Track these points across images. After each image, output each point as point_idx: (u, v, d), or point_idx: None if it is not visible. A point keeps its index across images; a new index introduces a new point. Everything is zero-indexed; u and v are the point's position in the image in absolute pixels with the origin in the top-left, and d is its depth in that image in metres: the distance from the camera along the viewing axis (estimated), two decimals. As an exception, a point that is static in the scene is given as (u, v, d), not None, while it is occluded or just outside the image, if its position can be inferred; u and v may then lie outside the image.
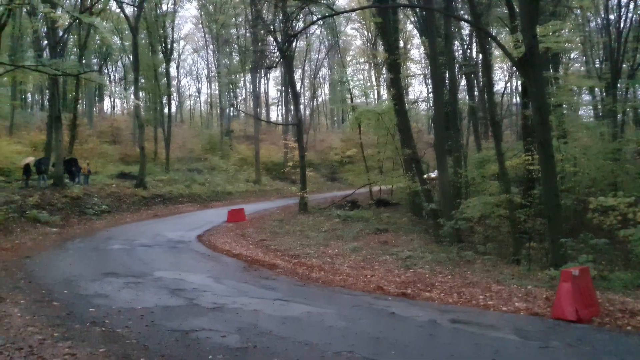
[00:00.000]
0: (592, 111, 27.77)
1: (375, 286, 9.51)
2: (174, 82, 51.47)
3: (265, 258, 12.88)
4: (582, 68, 28.38)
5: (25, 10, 27.20)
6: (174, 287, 9.22)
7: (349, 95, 37.80)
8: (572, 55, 29.28)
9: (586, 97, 28.78)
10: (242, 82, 53.47)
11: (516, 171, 18.08)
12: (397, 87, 20.62)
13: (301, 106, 41.71)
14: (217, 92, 51.91)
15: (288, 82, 33.89)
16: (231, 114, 52.93)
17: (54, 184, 22.12)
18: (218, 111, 51.19)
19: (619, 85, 21.71)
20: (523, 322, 6.95)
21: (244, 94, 58.08)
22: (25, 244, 14.55)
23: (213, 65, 51.79)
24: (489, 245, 13.84)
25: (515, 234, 13.00)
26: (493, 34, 22.02)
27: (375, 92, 49.39)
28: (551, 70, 21.24)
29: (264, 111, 55.32)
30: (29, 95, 47.65)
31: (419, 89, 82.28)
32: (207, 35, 48.64)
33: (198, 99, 66.50)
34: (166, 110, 37.51)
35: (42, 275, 10.17)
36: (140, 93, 40.23)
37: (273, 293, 8.85)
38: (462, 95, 30.55)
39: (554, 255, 10.58)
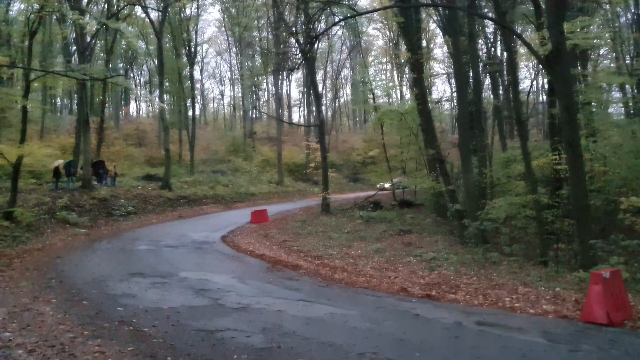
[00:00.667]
0: (622, 109, 26.94)
1: (399, 288, 9.45)
2: (198, 85, 52.32)
3: (288, 259, 12.95)
4: (612, 65, 27.58)
5: (55, 17, 28.04)
6: (199, 287, 9.35)
7: (371, 96, 37.66)
8: (601, 52, 28.47)
9: (616, 95, 27.98)
10: (264, 84, 53.92)
11: (543, 171, 17.69)
12: (420, 87, 20.46)
13: (323, 107, 41.82)
14: (240, 94, 52.47)
15: (310, 83, 34.00)
16: (254, 116, 53.41)
17: (82, 186, 22.73)
18: (241, 113, 51.73)
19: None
20: (551, 325, 6.80)
21: (266, 96, 58.56)
22: (56, 245, 14.99)
23: (236, 67, 52.44)
24: (515, 247, 13.59)
25: (543, 235, 12.72)
26: (518, 31, 21.63)
27: (398, 92, 49.13)
28: (579, 68, 20.72)
29: (286, 113, 55.63)
30: (58, 99, 49.09)
31: (442, 89, 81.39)
32: (230, 38, 49.26)
33: (221, 102, 67.47)
34: (190, 112, 38.12)
35: (72, 275, 10.45)
36: (165, 96, 40.96)
37: (296, 294, 8.89)
38: (487, 94, 30.13)
39: (583, 257, 10.32)
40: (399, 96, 49.09)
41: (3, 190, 19.47)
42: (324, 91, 49.54)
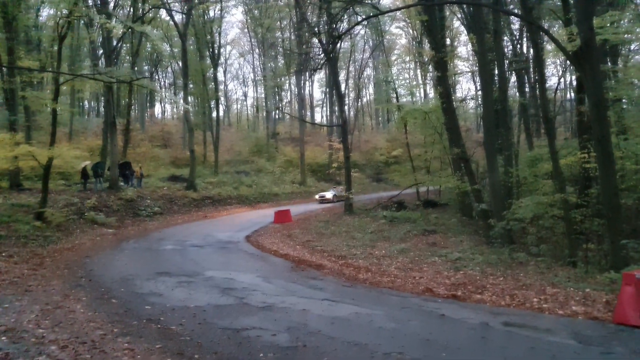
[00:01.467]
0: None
1: (424, 288, 9.38)
2: (222, 87, 52.94)
3: (312, 258, 12.99)
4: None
5: (82, 22, 28.83)
6: (224, 286, 9.48)
7: (394, 95, 37.45)
8: (632, 47, 27.64)
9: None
10: (287, 84, 54.23)
11: (571, 170, 17.30)
12: (445, 85, 20.24)
13: (346, 107, 41.78)
14: (263, 95, 52.88)
15: (333, 83, 34.02)
16: (277, 116, 53.73)
17: (109, 187, 23.30)
18: (264, 114, 52.12)
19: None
20: (581, 327, 6.65)
21: (289, 97, 58.84)
22: (85, 244, 15.41)
23: (259, 69, 52.88)
24: (543, 247, 13.32)
25: (571, 235, 12.43)
26: (545, 27, 21.17)
27: (422, 90, 48.71)
28: (609, 64, 20.17)
29: (308, 113, 55.82)
30: (85, 102, 50.47)
31: (466, 87, 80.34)
32: (252, 40, 49.72)
33: (244, 103, 68.08)
34: (214, 114, 38.58)
35: (101, 274, 10.73)
36: (190, 98, 41.63)
37: (321, 293, 8.92)
38: (512, 92, 29.58)
39: (614, 258, 10.05)
40: (422, 95, 48.68)
41: (34, 191, 20.14)
42: (346, 91, 49.55)
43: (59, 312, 7.48)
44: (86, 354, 5.54)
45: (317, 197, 31.20)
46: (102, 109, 40.12)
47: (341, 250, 14.10)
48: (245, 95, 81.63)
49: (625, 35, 19.80)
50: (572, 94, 32.43)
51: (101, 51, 29.23)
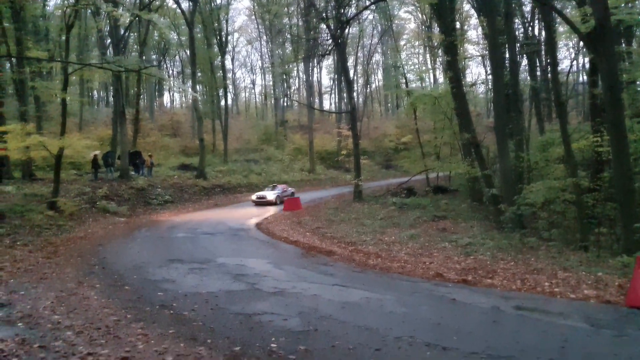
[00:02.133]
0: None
1: (435, 273, 9.38)
2: (229, 75, 52.88)
3: (322, 245, 13.04)
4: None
5: (90, 10, 28.86)
6: (236, 272, 9.56)
7: (404, 80, 37.13)
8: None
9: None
10: (295, 71, 53.98)
11: (583, 154, 17.08)
12: (455, 70, 19.99)
13: (354, 93, 41.53)
14: (271, 83, 52.74)
15: (341, 69, 33.78)
16: (285, 104, 53.62)
17: (120, 176, 23.50)
18: (272, 102, 52.03)
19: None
20: (594, 310, 6.63)
21: (297, 84, 58.62)
22: (97, 233, 15.60)
23: (267, 56, 52.69)
24: (554, 232, 13.23)
25: (583, 220, 12.34)
26: (558, 8, 20.75)
27: (431, 75, 48.25)
28: (623, 45, 19.75)
29: (317, 100, 55.59)
30: (94, 92, 50.72)
31: (476, 71, 79.35)
32: (260, 26, 49.47)
33: (253, 91, 68.03)
34: (223, 102, 38.62)
35: (113, 262, 10.87)
36: (198, 87, 41.67)
37: (331, 279, 8.96)
38: (524, 75, 29.12)
39: (627, 241, 9.96)
40: (432, 80, 48.23)
41: (47, 181, 20.39)
42: (355, 77, 49.22)
43: (74, 298, 7.60)
44: (101, 339, 5.63)
45: (253, 198, 24.50)
46: (111, 99, 40.32)
47: (351, 237, 14.14)
48: (253, 83, 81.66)
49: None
50: (585, 77, 31.88)
51: (109, 40, 29.29)
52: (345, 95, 38.19)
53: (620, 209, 10.66)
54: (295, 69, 53.03)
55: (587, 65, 24.22)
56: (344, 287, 8.23)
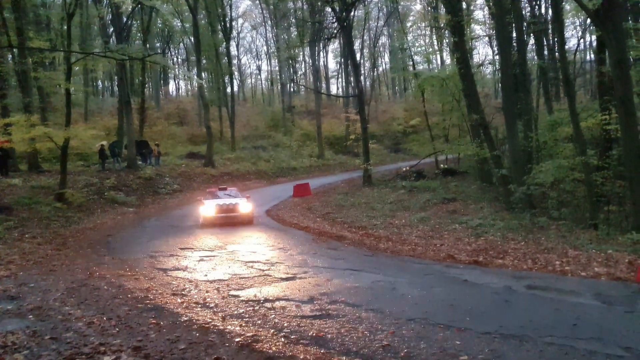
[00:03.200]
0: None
1: (446, 255, 9.48)
2: (235, 61, 52.72)
3: (332, 230, 13.17)
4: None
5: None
6: (246, 259, 9.68)
7: (411, 63, 36.80)
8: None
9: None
10: (301, 56, 53.66)
11: (592, 132, 16.97)
12: (462, 51, 19.79)
13: (361, 77, 41.28)
14: (277, 68, 52.53)
15: (347, 52, 33.57)
16: (292, 89, 53.40)
17: (127, 166, 23.68)
18: (279, 88, 51.85)
19: None
20: (605, 287, 6.70)
21: (303, 69, 58.32)
22: (106, 224, 15.75)
23: (272, 41, 52.33)
24: (564, 211, 13.25)
25: (592, 198, 12.32)
26: (565, -15, 20.40)
27: (438, 57, 47.68)
28: (631, 22, 19.42)
29: (324, 85, 55.33)
30: (99, 82, 50.84)
31: (483, 52, 78.19)
32: (264, 11, 49.08)
33: (259, 77, 67.76)
34: (229, 89, 38.48)
35: (123, 252, 10.96)
36: (203, 74, 41.58)
37: (343, 263, 9.08)
38: (531, 55, 28.73)
39: (636, 219, 9.98)
40: (439, 62, 47.65)
41: (53, 172, 20.52)
42: (361, 61, 48.82)
43: (84, 289, 7.57)
44: (112, 329, 5.61)
45: (206, 213, 14.62)
46: (116, 89, 40.35)
47: (361, 221, 14.25)
48: (259, 69, 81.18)
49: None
50: (592, 55, 31.34)
51: (111, 29, 29.20)
52: (352, 79, 37.97)
53: (629, 186, 10.64)
54: (301, 53, 52.68)
55: (594, 44, 23.85)
56: (355, 271, 8.35)
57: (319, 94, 38.22)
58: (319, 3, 28.71)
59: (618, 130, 11.94)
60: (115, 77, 34.90)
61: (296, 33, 47.82)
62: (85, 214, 16.88)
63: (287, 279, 7.94)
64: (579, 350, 4.59)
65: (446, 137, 30.19)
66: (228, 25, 38.62)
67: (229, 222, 14.39)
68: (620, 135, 11.48)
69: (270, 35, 52.31)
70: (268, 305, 6.51)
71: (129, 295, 7.22)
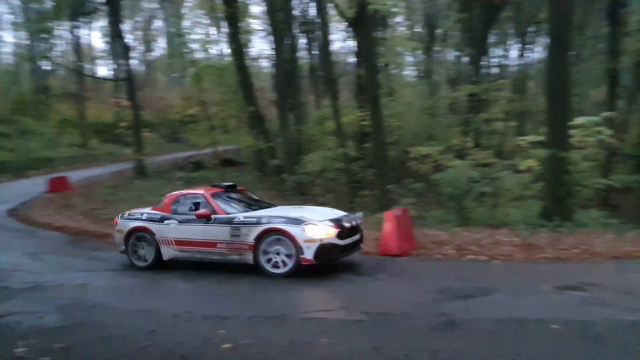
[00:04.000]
0: (415, 71, 30.70)
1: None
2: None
3: (96, 228, 11.63)
4: (408, 31, 30.96)
5: None
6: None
7: (188, 50, 35.57)
8: (397, 20, 31.66)
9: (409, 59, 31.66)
10: (61, 31, 46.20)
11: (352, 127, 19.27)
12: (237, 42, 20.03)
13: (135, 61, 38.07)
14: (28, 42, 44.13)
15: (116, 32, 30.35)
16: (47, 68, 45.65)
17: None
18: (28, 64, 43.67)
19: (435, 48, 24.36)
20: (357, 261, 7.50)
21: (65, 46, 50.43)
22: None
23: (20, 9, 43.64)
24: (329, 197, 14.68)
25: (351, 185, 13.98)
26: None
27: (218, 48, 47.41)
28: (381, 32, 22.75)
29: (89, 66, 49.03)
30: None
31: (260, 46, 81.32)
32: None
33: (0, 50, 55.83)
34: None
35: None
36: None
37: (105, 264, 8.06)
38: (303, 53, 31.06)
39: (382, 200, 11.66)
40: (219, 52, 47.51)
41: None
42: (135, 43, 44.94)
43: None
44: None
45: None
46: None
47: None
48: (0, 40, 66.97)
49: (393, 8, 22.54)
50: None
51: None
52: (123, 62, 34.64)
53: (377, 173, 12.37)
54: (60, 28, 45.41)
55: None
56: (118, 272, 7.48)
57: (81, 75, 33.69)
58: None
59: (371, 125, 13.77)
60: None
61: (53, 4, 41.05)
62: None
63: (30, 289, 6.59)
64: (330, 320, 4.96)
65: (225, 127, 30.27)
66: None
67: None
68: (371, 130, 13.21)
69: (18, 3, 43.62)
70: (2, 321, 5.24)
71: None
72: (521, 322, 4.62)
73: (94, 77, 37.86)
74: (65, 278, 7.10)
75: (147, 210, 7.77)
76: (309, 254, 6.27)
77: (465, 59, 21.27)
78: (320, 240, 6.30)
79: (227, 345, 4.26)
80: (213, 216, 6.92)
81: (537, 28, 23.33)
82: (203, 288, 6.53)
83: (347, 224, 6.79)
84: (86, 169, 26.70)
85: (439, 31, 26.10)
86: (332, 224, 6.54)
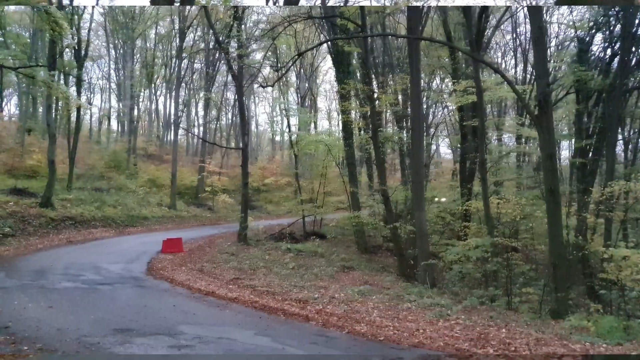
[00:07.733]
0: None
1: (444, 343, 8.65)
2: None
3: (277, 305, 10.85)
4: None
5: None
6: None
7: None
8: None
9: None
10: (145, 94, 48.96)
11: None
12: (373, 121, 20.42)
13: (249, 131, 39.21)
14: (121, 105, 46.86)
15: (239, 107, 31.69)
16: (132, 129, 48.00)
17: None
18: (119, 125, 46.12)
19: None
20: None
21: (142, 107, 53.14)
22: None
23: (114, 76, 46.88)
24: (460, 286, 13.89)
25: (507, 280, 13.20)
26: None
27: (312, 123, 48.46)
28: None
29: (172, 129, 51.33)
30: None
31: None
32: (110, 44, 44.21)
33: (88, 110, 59.54)
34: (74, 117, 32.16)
35: None
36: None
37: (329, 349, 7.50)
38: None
39: (557, 305, 10.78)
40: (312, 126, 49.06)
41: None
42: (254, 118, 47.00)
43: None
44: None
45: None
46: None
47: (290, 291, 12.33)
48: (89, 102, 71.49)
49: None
50: None
51: None
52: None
53: (553, 273, 11.66)
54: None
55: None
56: None
57: (204, 142, 34.81)
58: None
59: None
60: None
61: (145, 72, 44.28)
62: None
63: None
64: None
65: (311, 199, 30.25)
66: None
67: None
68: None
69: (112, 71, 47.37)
70: None
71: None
72: None
73: (206, 141, 39.25)
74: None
75: None
76: None
77: None
78: None
79: None
80: None
81: None
82: None
83: None
84: (178, 230, 26.79)
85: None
86: None
